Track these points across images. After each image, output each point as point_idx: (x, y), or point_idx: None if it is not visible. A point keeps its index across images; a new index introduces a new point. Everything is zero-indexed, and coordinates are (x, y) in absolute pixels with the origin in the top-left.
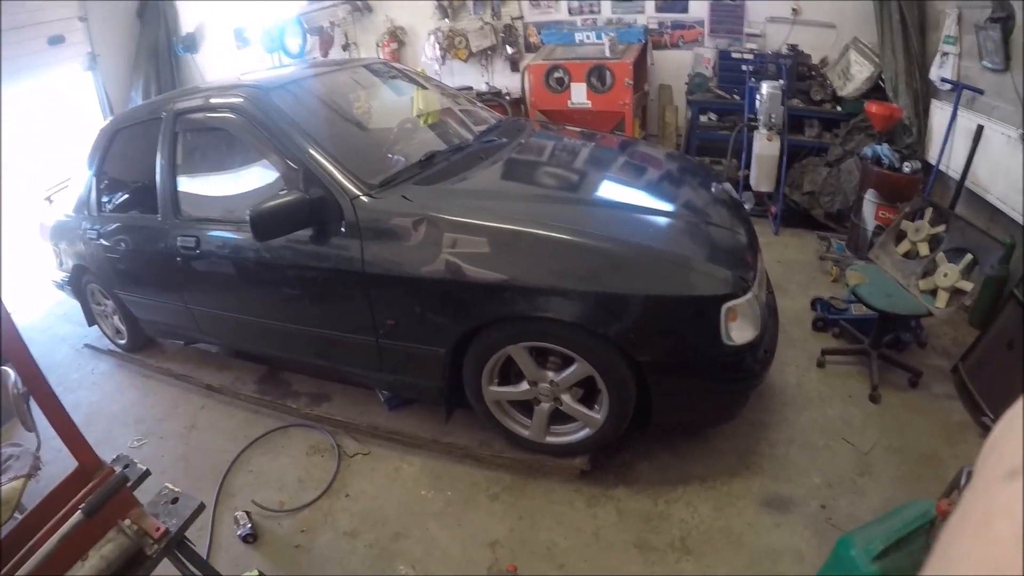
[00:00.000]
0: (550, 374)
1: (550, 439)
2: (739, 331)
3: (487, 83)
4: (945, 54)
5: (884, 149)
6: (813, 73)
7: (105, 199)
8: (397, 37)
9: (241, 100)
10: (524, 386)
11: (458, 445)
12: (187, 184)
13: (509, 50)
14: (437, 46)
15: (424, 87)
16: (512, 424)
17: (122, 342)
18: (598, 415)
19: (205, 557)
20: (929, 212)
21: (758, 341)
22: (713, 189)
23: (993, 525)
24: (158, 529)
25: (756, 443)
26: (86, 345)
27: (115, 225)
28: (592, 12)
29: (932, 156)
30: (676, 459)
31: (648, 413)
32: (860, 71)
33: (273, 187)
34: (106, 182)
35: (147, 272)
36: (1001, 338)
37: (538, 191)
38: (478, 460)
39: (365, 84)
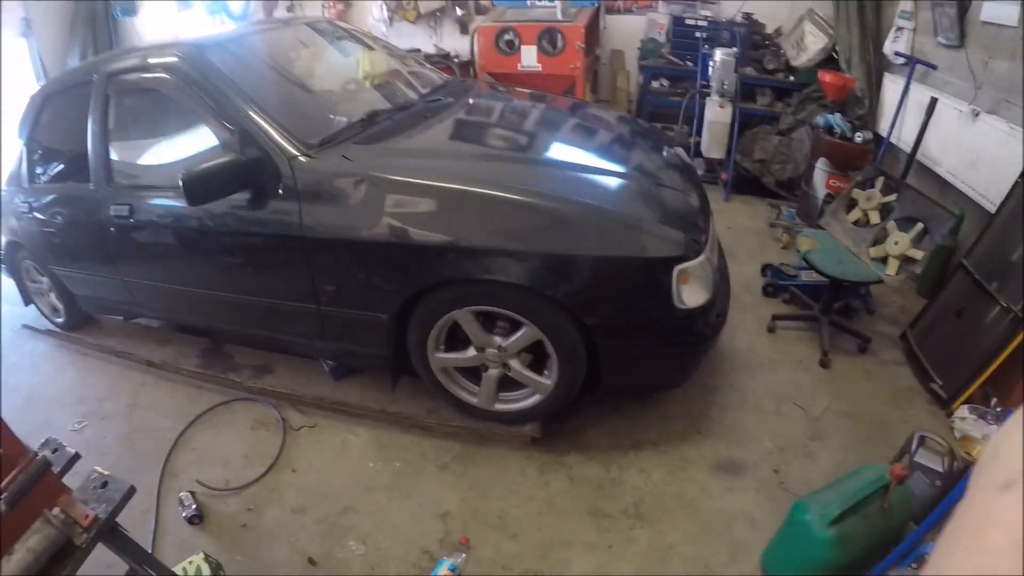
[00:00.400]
0: (498, 339)
1: (499, 406)
2: (691, 294)
3: (435, 45)
4: (900, 28)
5: (836, 119)
6: (767, 42)
7: (38, 170)
8: None
9: (176, 59)
10: (471, 352)
11: (405, 415)
12: (120, 150)
13: (459, 12)
14: (384, 7)
15: (370, 48)
16: (460, 392)
17: (60, 320)
18: (548, 380)
19: (151, 540)
20: (881, 181)
21: (710, 305)
22: (665, 153)
23: (988, 535)
24: (87, 517)
25: (707, 407)
26: (24, 326)
27: (48, 197)
28: None
29: (883, 128)
30: (628, 424)
31: (599, 378)
32: (814, 42)
33: (211, 152)
34: (39, 152)
35: (81, 245)
36: (948, 307)
37: (485, 151)
38: (426, 429)
39: (308, 43)
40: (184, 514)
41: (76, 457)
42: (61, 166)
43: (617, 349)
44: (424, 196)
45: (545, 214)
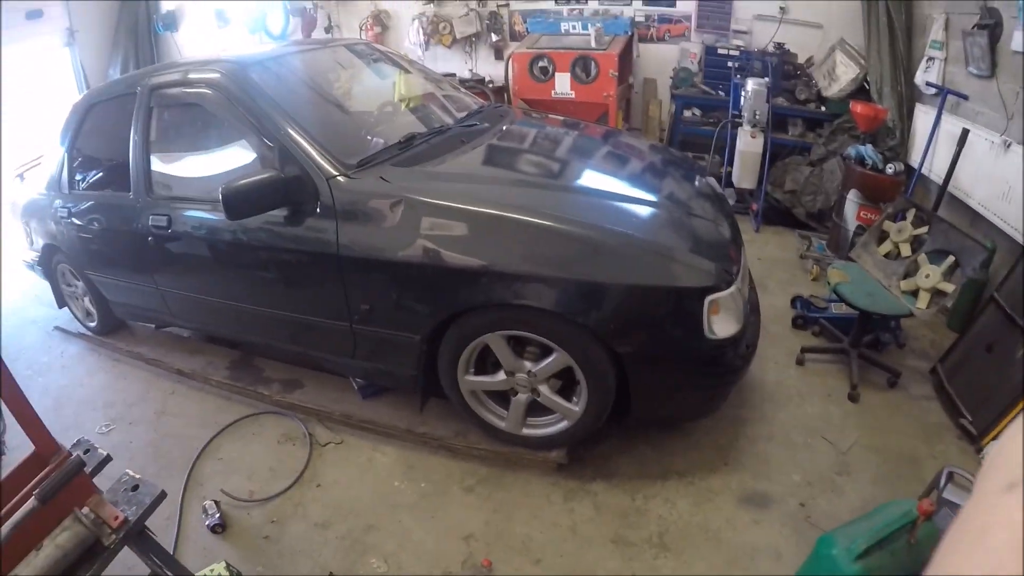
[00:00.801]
0: (528, 364)
1: (527, 431)
2: (721, 325)
3: (470, 70)
4: (931, 58)
5: (868, 150)
6: (799, 72)
7: (78, 177)
8: (381, 21)
9: (218, 75)
10: (501, 376)
11: (433, 436)
12: (161, 162)
13: (494, 38)
14: (421, 31)
15: (407, 71)
16: (488, 415)
17: (92, 325)
18: (576, 407)
19: (173, 546)
20: (912, 213)
21: (740, 335)
22: (696, 182)
23: (991, 535)
24: (116, 518)
25: (735, 439)
26: (56, 327)
27: (87, 204)
28: (579, 2)
29: (915, 159)
30: (655, 453)
31: (627, 406)
32: (846, 72)
33: (249, 167)
34: (79, 159)
35: (118, 252)
36: (980, 341)
37: (519, 176)
38: (453, 451)
39: (347, 65)
40: (207, 522)
41: (107, 459)
42: (100, 174)
43: (647, 378)
44: (460, 220)
45: (578, 241)
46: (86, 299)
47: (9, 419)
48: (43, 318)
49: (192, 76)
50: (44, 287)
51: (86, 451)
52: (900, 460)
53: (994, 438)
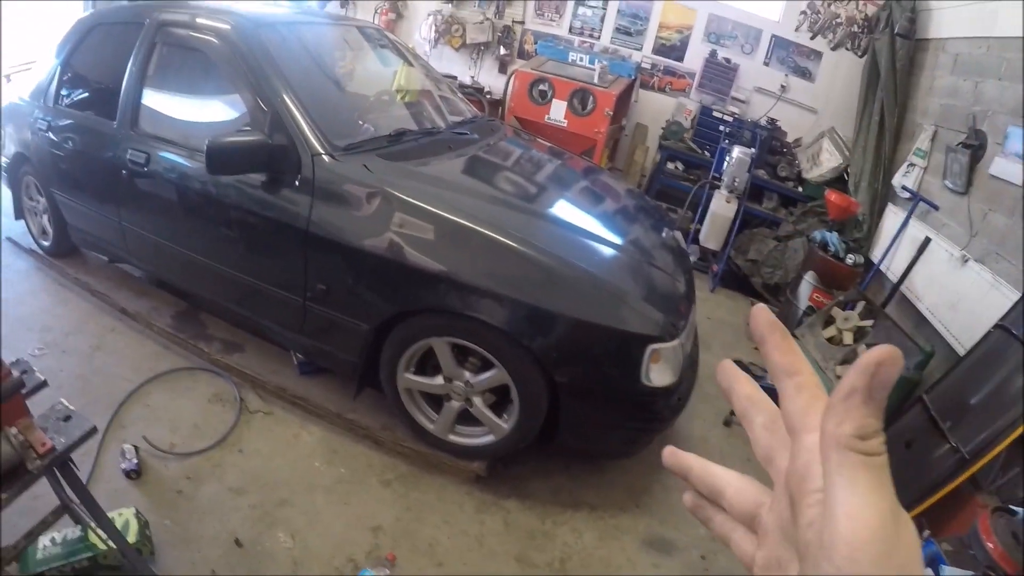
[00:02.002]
0: (467, 374)
1: (453, 438)
2: (658, 374)
3: (472, 77)
4: (912, 165)
5: (833, 237)
6: (784, 150)
7: (64, 92)
8: (397, 8)
9: (228, 27)
10: (439, 380)
11: (361, 424)
12: (152, 98)
13: (502, 50)
14: (433, 28)
15: (411, 64)
16: (419, 415)
17: (46, 244)
18: (506, 424)
19: (85, 482)
20: (861, 305)
21: (674, 387)
22: (664, 234)
23: None
24: (44, 444)
25: (650, 484)
26: (7, 238)
27: (68, 121)
28: (592, 37)
29: (876, 255)
30: (570, 483)
31: (553, 433)
32: (829, 160)
33: (238, 124)
34: (70, 75)
35: (89, 178)
36: (901, 436)
37: (496, 193)
38: (378, 443)
39: (354, 46)
40: (123, 466)
41: (43, 384)
42: (88, 95)
43: (578, 410)
44: (430, 223)
45: (539, 268)
46: (45, 217)
47: None
48: None
49: (202, 21)
50: (4, 195)
51: (23, 372)
52: None
53: None
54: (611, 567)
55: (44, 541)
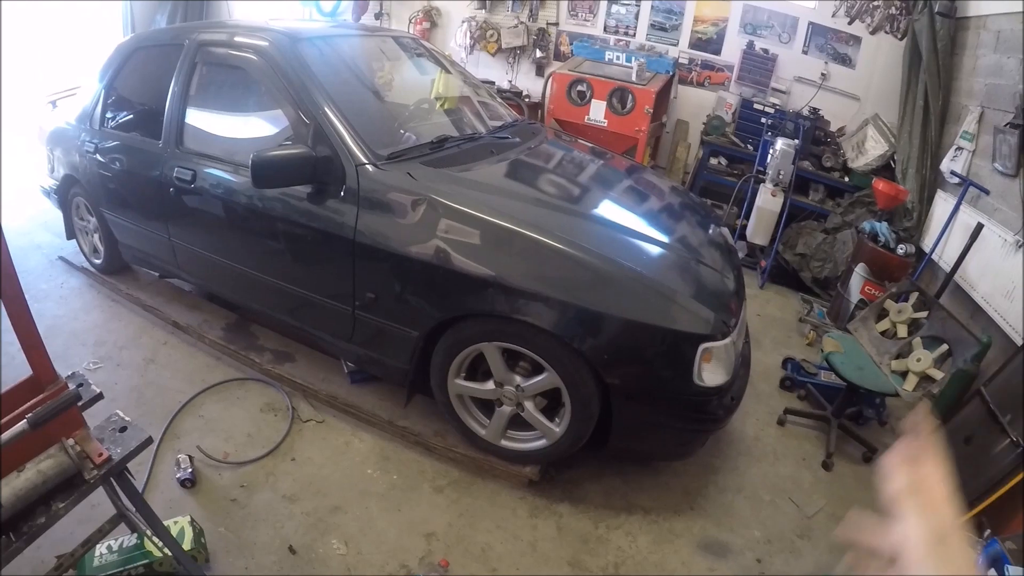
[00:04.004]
0: (518, 378)
1: (505, 443)
2: (711, 373)
3: (510, 81)
4: (959, 148)
5: (883, 227)
6: (829, 140)
7: (109, 115)
8: (431, 17)
9: (267, 44)
10: (490, 385)
11: (412, 431)
12: (195, 117)
13: (538, 53)
14: (468, 35)
15: (448, 71)
16: (470, 421)
17: (97, 262)
18: (558, 428)
19: (141, 492)
20: (914, 296)
21: (727, 387)
22: (710, 231)
23: None
24: (100, 455)
25: (705, 486)
26: (60, 258)
27: (114, 142)
28: (627, 35)
29: (927, 244)
30: (624, 486)
31: (606, 436)
32: (875, 147)
33: (280, 137)
34: (114, 98)
35: (137, 196)
36: (960, 432)
37: (540, 196)
38: (429, 449)
39: (391, 56)
40: (178, 475)
41: (99, 396)
42: (132, 117)
43: (630, 412)
44: (476, 228)
45: (587, 269)
46: (96, 235)
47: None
48: (48, 245)
49: (240, 40)
50: (55, 215)
51: (79, 385)
52: None
53: None
54: (665, 571)
55: (101, 549)
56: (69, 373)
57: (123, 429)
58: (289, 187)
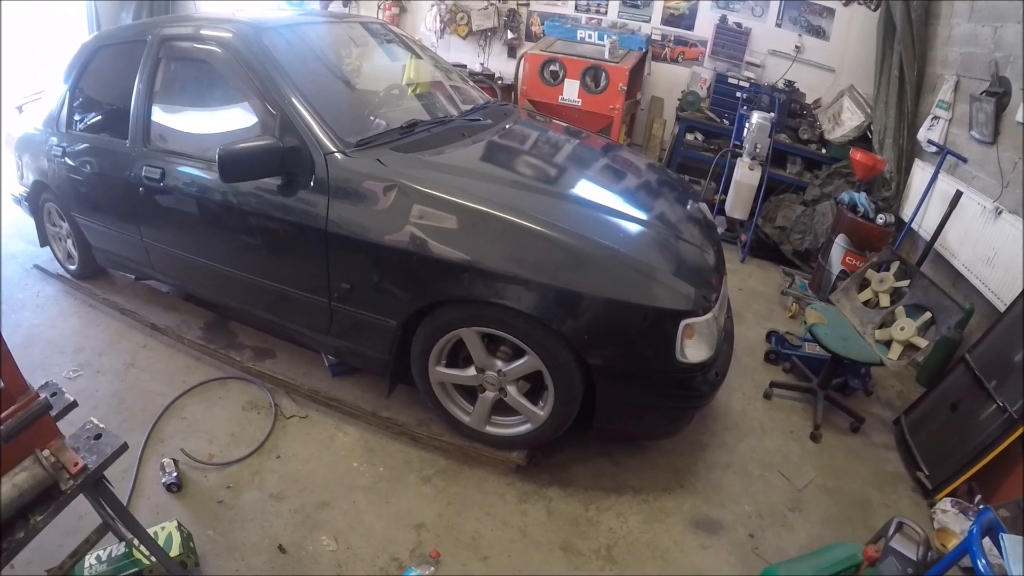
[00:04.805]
0: (499, 363)
1: (490, 429)
2: (693, 349)
3: (482, 64)
4: (936, 118)
5: (861, 197)
6: (804, 112)
7: (76, 117)
8: (400, 2)
9: (230, 35)
10: (471, 371)
11: (396, 421)
12: (161, 114)
13: (509, 35)
14: (438, 18)
15: (419, 56)
16: (454, 408)
17: (72, 268)
18: (542, 411)
19: (127, 501)
20: (896, 265)
21: (711, 362)
22: (688, 206)
23: None
24: (76, 464)
25: (693, 463)
26: (36, 266)
27: (82, 145)
28: (599, 12)
29: (906, 213)
30: (612, 467)
31: (591, 417)
32: (851, 118)
33: (249, 131)
34: (80, 100)
35: (107, 198)
36: (945, 398)
37: (515, 177)
38: (414, 439)
39: (359, 42)
40: (163, 480)
41: (73, 405)
42: (99, 117)
43: (614, 392)
44: (450, 212)
45: (564, 250)
46: (69, 241)
47: None
48: (23, 254)
49: (204, 32)
50: (28, 223)
51: (53, 394)
52: (852, 504)
53: (948, 495)
54: (658, 550)
55: (90, 559)
56: (44, 383)
57: (98, 436)
58: (259, 180)
